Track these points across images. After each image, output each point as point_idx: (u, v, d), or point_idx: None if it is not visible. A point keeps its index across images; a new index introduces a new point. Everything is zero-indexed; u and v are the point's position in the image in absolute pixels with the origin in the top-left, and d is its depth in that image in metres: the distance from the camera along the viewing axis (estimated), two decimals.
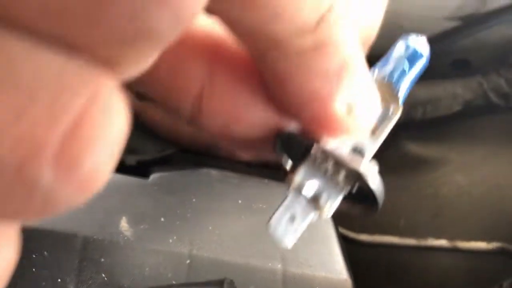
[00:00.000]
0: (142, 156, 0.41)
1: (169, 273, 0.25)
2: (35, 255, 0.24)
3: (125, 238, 0.25)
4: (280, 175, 0.39)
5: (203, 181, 0.31)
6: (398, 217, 0.50)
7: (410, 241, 0.46)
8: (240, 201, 0.31)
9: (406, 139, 0.53)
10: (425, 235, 0.45)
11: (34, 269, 0.23)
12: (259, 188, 0.33)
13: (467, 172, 0.50)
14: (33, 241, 0.24)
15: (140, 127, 0.44)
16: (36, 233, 0.24)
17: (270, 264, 0.28)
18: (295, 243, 0.30)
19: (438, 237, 0.44)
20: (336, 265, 0.30)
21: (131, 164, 0.40)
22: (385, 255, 0.47)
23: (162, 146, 0.43)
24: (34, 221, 0.24)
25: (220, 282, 0.20)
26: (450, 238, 0.44)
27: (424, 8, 0.46)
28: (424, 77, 0.55)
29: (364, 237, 0.45)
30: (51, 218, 0.25)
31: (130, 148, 0.43)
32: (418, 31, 0.50)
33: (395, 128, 0.51)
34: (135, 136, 0.44)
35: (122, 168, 0.41)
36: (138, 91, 0.43)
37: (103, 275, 0.24)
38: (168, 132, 0.42)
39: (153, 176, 0.30)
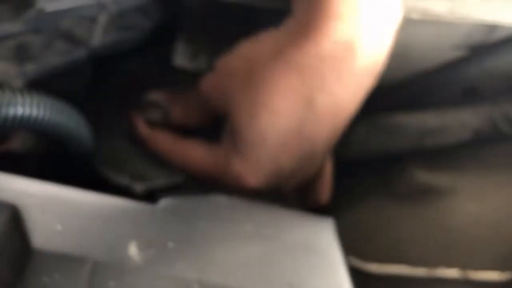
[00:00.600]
0: (151, 183, 0.42)
1: None
2: (45, 279, 0.24)
3: (134, 263, 0.26)
4: (288, 201, 0.39)
5: (212, 207, 0.32)
6: (408, 247, 0.50)
7: (421, 271, 0.45)
8: (248, 227, 0.31)
9: (415, 168, 0.53)
10: (435, 265, 0.45)
11: None
12: (267, 214, 0.33)
13: (478, 201, 0.50)
14: (44, 264, 0.24)
15: (149, 155, 0.45)
16: (48, 256, 0.25)
17: None
18: (303, 272, 0.30)
19: (450, 267, 0.44)
20: None
21: (140, 192, 0.40)
22: (394, 286, 0.47)
23: (170, 173, 0.44)
24: (48, 245, 0.24)
25: None
26: (461, 268, 0.43)
27: (431, 38, 0.47)
28: (434, 105, 0.55)
29: (373, 267, 0.44)
30: (63, 243, 0.25)
31: (138, 175, 0.43)
32: (425, 60, 0.51)
33: (403, 156, 0.51)
34: (143, 163, 0.45)
35: (131, 195, 0.41)
36: (148, 119, 0.45)
37: None
38: (177, 160, 0.43)
39: (162, 201, 0.31)
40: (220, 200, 0.33)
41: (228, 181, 0.41)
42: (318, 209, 0.49)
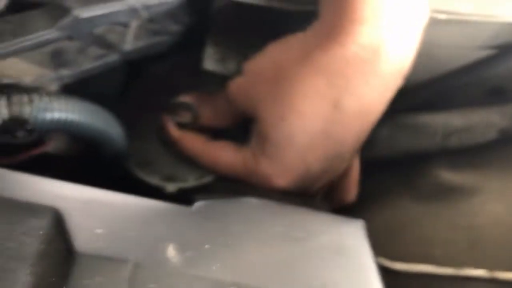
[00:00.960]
0: (181, 183, 0.43)
1: None
2: (88, 281, 0.25)
3: (172, 264, 0.27)
4: (317, 204, 0.40)
5: (243, 210, 0.33)
6: (433, 247, 0.50)
7: (447, 271, 0.45)
8: (280, 230, 0.32)
9: (441, 167, 0.53)
10: (462, 265, 0.45)
11: None
12: (297, 217, 0.34)
13: (504, 200, 0.50)
14: (86, 266, 0.25)
15: (179, 156, 0.46)
16: (90, 259, 0.25)
17: None
18: (335, 274, 0.30)
19: (476, 267, 0.44)
20: None
21: (172, 192, 0.41)
22: (420, 284, 0.47)
23: (200, 174, 0.45)
24: (90, 248, 0.25)
25: None
26: (488, 268, 0.43)
27: (457, 38, 0.47)
28: (459, 105, 0.55)
29: (399, 266, 0.45)
30: (104, 246, 0.26)
31: (169, 176, 0.44)
32: (451, 60, 0.50)
33: (428, 156, 0.51)
34: (174, 164, 0.46)
35: (163, 195, 0.42)
36: (178, 121, 0.45)
37: None
38: (207, 161, 0.44)
39: (197, 204, 0.31)
40: (252, 203, 0.33)
41: (257, 182, 0.41)
42: (343, 209, 0.49)
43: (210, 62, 0.41)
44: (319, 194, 0.46)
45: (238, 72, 0.41)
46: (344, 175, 0.47)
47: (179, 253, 0.27)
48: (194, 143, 0.44)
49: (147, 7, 0.36)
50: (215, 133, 0.45)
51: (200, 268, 0.27)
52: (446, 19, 0.44)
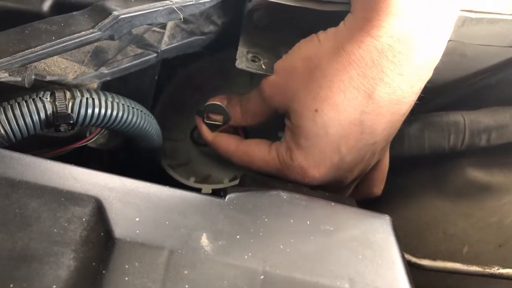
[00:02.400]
0: (217, 185, 0.44)
1: (244, 286, 0.27)
2: (127, 266, 0.26)
3: (206, 252, 0.28)
4: (344, 199, 0.41)
5: (273, 202, 0.34)
6: (461, 244, 0.50)
7: (475, 269, 0.45)
8: (308, 222, 0.33)
9: (470, 166, 0.53)
10: (489, 264, 0.45)
11: (126, 278, 0.26)
12: (326, 210, 0.34)
13: None
14: (125, 252, 0.27)
15: (213, 156, 0.47)
16: (129, 245, 0.27)
17: (338, 283, 0.29)
18: (361, 265, 0.31)
19: (504, 266, 0.44)
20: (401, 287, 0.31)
21: (207, 192, 0.42)
22: (448, 281, 0.47)
23: (235, 174, 0.46)
24: (129, 236, 0.27)
25: None
26: None
27: (487, 37, 0.47)
28: (489, 104, 0.55)
29: (425, 262, 0.45)
30: (142, 233, 0.28)
31: (205, 177, 0.45)
32: (482, 59, 0.50)
33: (457, 154, 0.51)
34: (209, 165, 0.47)
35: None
36: (211, 122, 0.46)
37: (186, 286, 0.26)
38: (241, 159, 0.45)
39: (229, 197, 0.33)
40: (281, 196, 0.34)
41: (292, 175, 0.43)
42: (370, 205, 0.50)
43: (243, 61, 0.42)
44: (351, 188, 0.47)
45: (269, 71, 0.42)
46: (374, 168, 0.47)
47: (212, 242, 0.29)
48: (227, 143, 0.46)
49: (183, 8, 0.38)
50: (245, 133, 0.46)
51: (232, 257, 0.28)
52: (477, 18, 0.44)
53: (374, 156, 0.44)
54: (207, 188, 0.43)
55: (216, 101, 0.46)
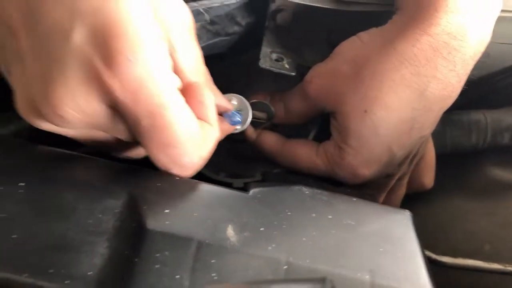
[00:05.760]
0: (247, 179, 0.45)
1: (268, 275, 0.28)
2: (158, 255, 0.28)
3: (232, 243, 0.29)
4: (364, 194, 0.41)
5: (296, 197, 0.35)
6: (482, 242, 0.50)
7: (496, 266, 0.46)
8: (330, 217, 0.34)
9: (492, 165, 0.53)
10: (510, 261, 0.45)
11: (156, 266, 0.27)
12: (347, 205, 0.35)
13: None
14: (156, 242, 0.28)
15: (243, 152, 0.48)
16: (160, 236, 0.29)
17: (359, 274, 0.30)
18: (381, 259, 0.32)
19: None
20: (421, 280, 0.31)
21: (239, 186, 0.43)
22: (468, 279, 0.48)
23: (265, 169, 0.47)
24: (159, 226, 0.28)
25: (322, 280, 0.22)
26: None
27: (510, 36, 0.47)
28: (511, 103, 0.55)
29: (446, 259, 0.46)
30: (171, 224, 0.29)
31: (235, 174, 0.46)
32: (504, 58, 0.50)
33: (479, 152, 0.52)
34: (239, 161, 0.48)
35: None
36: (255, 120, 0.46)
37: (213, 274, 0.28)
38: (287, 158, 0.46)
39: (253, 191, 0.34)
40: (304, 191, 0.35)
41: (341, 174, 0.43)
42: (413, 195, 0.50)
43: (266, 60, 0.43)
44: (404, 184, 0.47)
45: (292, 70, 0.43)
46: (421, 160, 0.48)
47: (238, 234, 0.30)
48: (272, 141, 0.46)
49: (209, 10, 0.39)
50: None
51: (256, 248, 0.29)
52: (499, 17, 0.44)
53: (420, 148, 0.45)
54: (238, 182, 0.44)
55: (260, 99, 0.47)
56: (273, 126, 0.48)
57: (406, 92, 0.39)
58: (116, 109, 0.30)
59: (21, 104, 0.30)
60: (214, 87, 0.39)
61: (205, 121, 0.34)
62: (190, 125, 0.31)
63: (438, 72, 0.39)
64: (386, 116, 0.40)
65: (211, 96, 0.35)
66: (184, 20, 0.34)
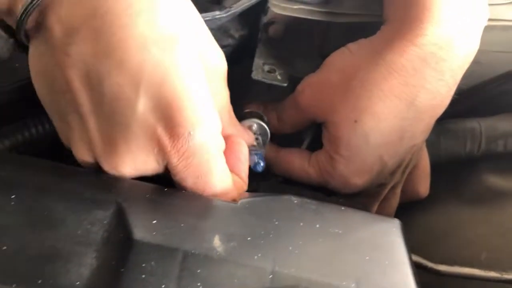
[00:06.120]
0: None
1: (253, 284, 0.29)
2: (144, 265, 0.28)
3: (218, 253, 0.30)
4: (355, 203, 0.42)
5: (285, 206, 0.35)
6: (479, 250, 0.50)
7: (492, 274, 0.45)
8: (317, 225, 0.34)
9: (488, 172, 0.53)
10: (507, 270, 0.45)
11: (143, 276, 0.28)
12: (335, 214, 0.36)
13: None
14: (143, 252, 0.29)
15: None
16: (146, 246, 0.29)
17: (344, 283, 0.30)
18: (369, 268, 0.32)
19: None
20: None
21: None
22: (466, 287, 0.47)
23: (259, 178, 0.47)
24: (147, 237, 0.29)
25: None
26: None
27: (501, 44, 0.47)
28: (505, 110, 0.55)
29: (443, 268, 0.46)
30: (158, 235, 0.30)
31: None
32: (496, 66, 0.51)
33: (474, 160, 0.52)
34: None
35: None
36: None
37: (199, 284, 0.28)
38: (281, 167, 0.46)
39: (242, 201, 0.34)
40: (292, 200, 0.36)
41: (333, 183, 0.44)
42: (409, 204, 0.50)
43: (259, 72, 0.44)
44: (397, 192, 0.47)
45: (284, 81, 0.44)
46: (415, 168, 0.48)
47: (224, 243, 0.30)
48: (267, 150, 0.47)
49: None
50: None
51: (243, 257, 0.30)
52: (490, 25, 0.45)
53: (413, 157, 0.45)
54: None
55: (253, 109, 0.47)
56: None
57: (395, 102, 0.40)
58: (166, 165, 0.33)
59: (81, 156, 0.33)
60: (237, 123, 0.41)
61: (238, 175, 0.37)
62: (227, 185, 0.35)
63: (426, 82, 0.39)
64: (376, 125, 0.40)
65: (246, 151, 0.39)
66: (221, 66, 0.37)
